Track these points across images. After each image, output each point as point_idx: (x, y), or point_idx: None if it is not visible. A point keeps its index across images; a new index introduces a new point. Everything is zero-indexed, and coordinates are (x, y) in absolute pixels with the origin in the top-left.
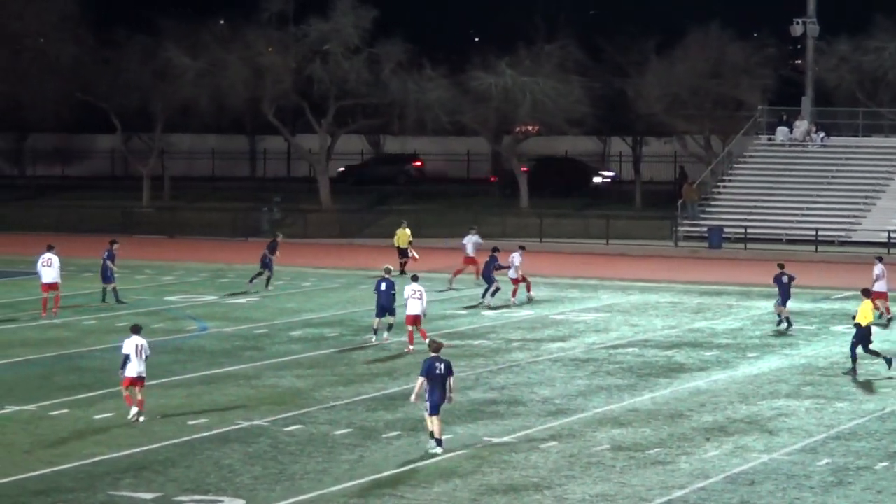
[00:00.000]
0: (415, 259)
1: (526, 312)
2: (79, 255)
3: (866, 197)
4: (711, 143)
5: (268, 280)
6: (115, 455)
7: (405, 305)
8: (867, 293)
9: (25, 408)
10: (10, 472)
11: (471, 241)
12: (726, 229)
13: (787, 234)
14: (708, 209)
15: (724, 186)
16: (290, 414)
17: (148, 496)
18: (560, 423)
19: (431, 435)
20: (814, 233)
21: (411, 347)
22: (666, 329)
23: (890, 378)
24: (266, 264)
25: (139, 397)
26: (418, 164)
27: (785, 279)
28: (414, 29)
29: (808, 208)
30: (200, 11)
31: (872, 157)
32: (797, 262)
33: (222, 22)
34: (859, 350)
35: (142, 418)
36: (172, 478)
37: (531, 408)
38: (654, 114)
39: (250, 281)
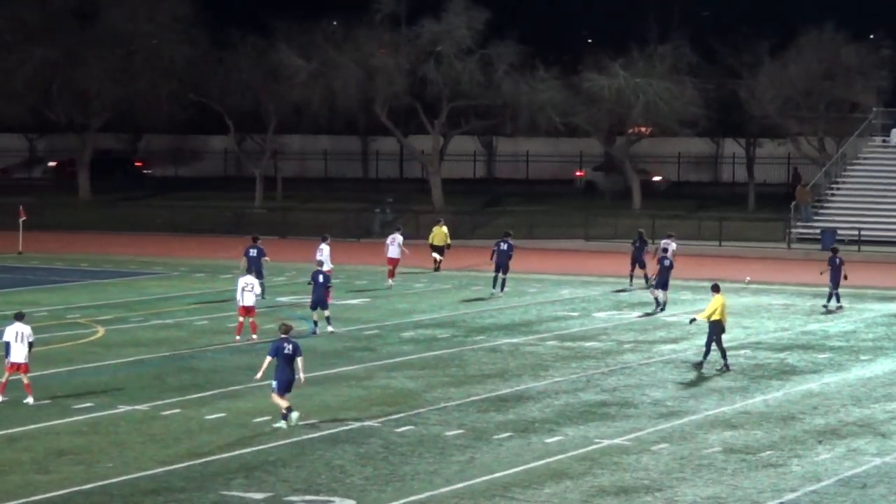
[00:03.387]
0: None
1: (637, 314)
2: (191, 255)
3: None
4: (825, 145)
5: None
6: (226, 455)
7: (240, 298)
8: (716, 288)
9: (137, 407)
10: (122, 471)
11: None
12: (840, 231)
13: None
14: (821, 211)
15: (838, 188)
16: (401, 415)
17: (259, 496)
18: (671, 424)
19: (285, 412)
20: None
21: (246, 337)
22: (778, 331)
23: None
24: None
25: (25, 381)
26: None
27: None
28: (526, 30)
29: None
30: (313, 12)
31: None
32: None
33: (334, 23)
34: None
35: (30, 400)
36: (283, 478)
37: (642, 409)
38: (767, 115)
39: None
